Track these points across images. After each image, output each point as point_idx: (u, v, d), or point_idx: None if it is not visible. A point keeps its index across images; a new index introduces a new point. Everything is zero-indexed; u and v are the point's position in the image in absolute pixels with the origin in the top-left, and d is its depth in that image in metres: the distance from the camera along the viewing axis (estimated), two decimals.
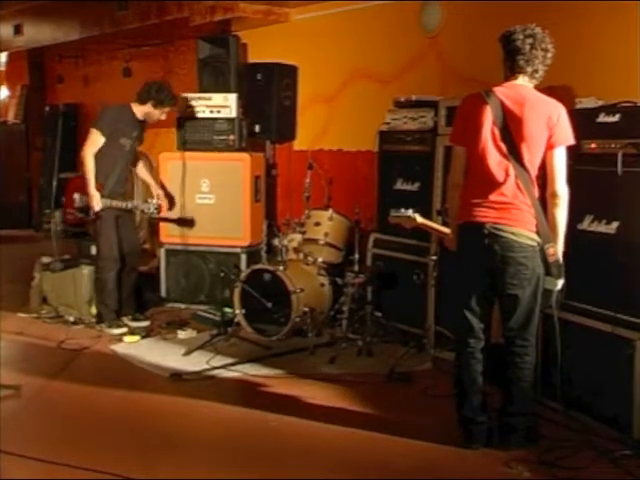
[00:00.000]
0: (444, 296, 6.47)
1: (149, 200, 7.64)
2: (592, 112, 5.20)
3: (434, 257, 6.48)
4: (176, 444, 5.02)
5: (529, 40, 4.57)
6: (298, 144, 8.95)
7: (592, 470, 4.51)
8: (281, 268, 7.02)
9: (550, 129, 4.56)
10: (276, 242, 7.54)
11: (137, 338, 7.25)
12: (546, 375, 5.40)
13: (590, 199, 5.19)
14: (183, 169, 8.15)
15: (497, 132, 4.59)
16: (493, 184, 4.61)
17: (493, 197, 4.61)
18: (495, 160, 4.61)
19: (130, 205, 7.54)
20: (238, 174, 8.01)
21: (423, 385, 6.04)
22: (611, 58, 6.17)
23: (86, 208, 7.27)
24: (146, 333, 7.44)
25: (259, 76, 8.14)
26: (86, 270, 7.85)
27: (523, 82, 4.68)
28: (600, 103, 5.28)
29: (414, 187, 6.99)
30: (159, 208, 7.70)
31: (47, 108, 15.03)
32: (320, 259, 7.30)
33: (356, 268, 6.95)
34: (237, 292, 7.20)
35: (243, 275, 7.30)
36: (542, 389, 5.44)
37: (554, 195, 4.58)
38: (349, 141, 8.62)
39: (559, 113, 4.60)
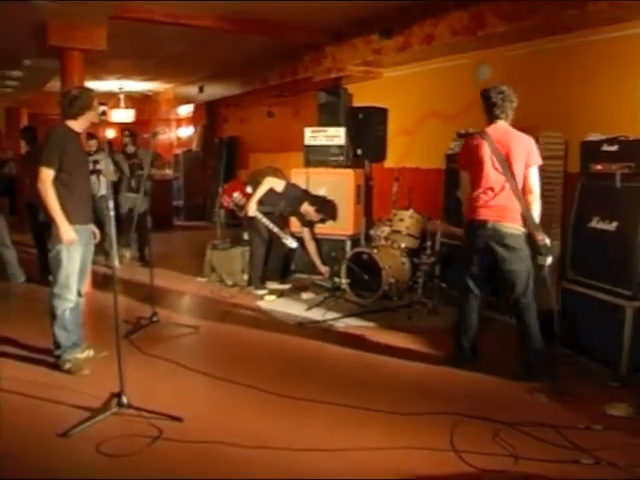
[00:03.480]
0: None
1: (289, 238, 7.43)
2: (598, 143, 5.23)
3: None
4: (296, 370, 5.12)
5: (500, 96, 4.91)
6: (387, 163, 8.89)
7: (591, 396, 4.55)
8: (375, 251, 6.98)
9: (527, 155, 4.84)
10: (372, 232, 7.53)
11: (274, 297, 7.34)
12: (563, 329, 5.34)
13: (596, 205, 5.24)
14: (307, 180, 8.12)
15: (494, 159, 4.83)
16: (493, 194, 4.86)
17: (493, 203, 4.87)
18: (494, 178, 4.84)
19: (275, 230, 7.38)
20: (345, 184, 7.98)
21: None
22: (614, 102, 6.05)
23: (240, 207, 7.38)
24: (280, 293, 7.50)
25: (360, 116, 8.10)
26: (240, 250, 8.03)
27: (502, 123, 4.94)
28: (603, 137, 5.22)
29: None
30: (293, 250, 7.70)
31: (216, 140, 15.30)
32: (402, 245, 7.21)
33: (428, 252, 6.88)
34: (344, 267, 7.20)
35: (348, 255, 7.29)
36: (560, 340, 5.34)
37: (532, 196, 4.84)
38: (424, 161, 8.53)
39: (531, 144, 4.91)
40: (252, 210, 7.25)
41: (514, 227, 4.84)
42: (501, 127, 4.94)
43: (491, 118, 4.98)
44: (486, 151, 4.87)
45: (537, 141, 5.83)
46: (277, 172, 7.89)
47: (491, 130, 4.94)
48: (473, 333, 5.20)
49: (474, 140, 5.01)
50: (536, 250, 4.79)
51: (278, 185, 7.39)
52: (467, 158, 5.07)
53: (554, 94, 6.67)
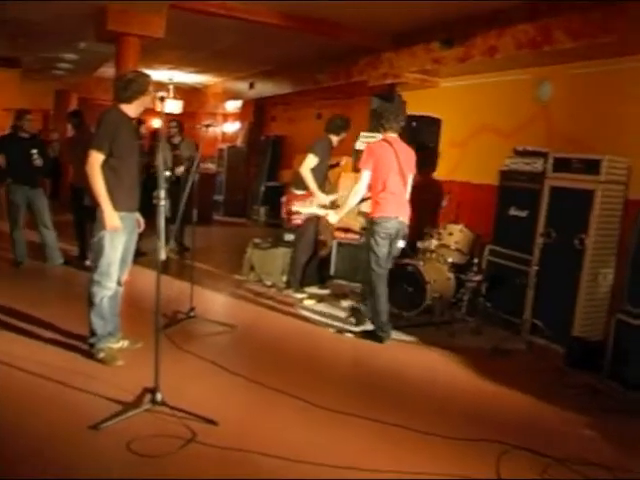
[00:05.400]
0: (539, 295, 6.25)
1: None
2: None
3: (536, 267, 6.16)
4: (333, 380, 4.96)
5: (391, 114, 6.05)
6: (437, 174, 8.68)
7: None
8: (421, 263, 6.79)
9: (413, 163, 6.10)
10: (419, 244, 7.32)
11: (313, 302, 7.18)
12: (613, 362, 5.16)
13: None
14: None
15: (397, 164, 5.89)
16: (401, 193, 5.95)
17: (402, 199, 5.97)
18: (398, 179, 5.91)
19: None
20: None
21: (517, 360, 5.83)
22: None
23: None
24: (320, 299, 7.33)
25: (414, 124, 7.91)
26: (281, 251, 7.87)
27: (394, 135, 6.00)
28: None
29: (523, 214, 6.66)
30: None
31: (263, 137, 15.21)
32: (450, 260, 7.01)
33: (475, 269, 6.66)
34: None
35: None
36: (609, 374, 5.17)
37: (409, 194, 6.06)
38: (475, 176, 8.29)
39: (414, 154, 6.13)
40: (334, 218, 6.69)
41: (406, 219, 6.02)
42: (395, 139, 6.01)
43: (387, 130, 6.00)
44: (393, 158, 5.88)
45: (599, 165, 5.71)
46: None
47: (391, 140, 5.95)
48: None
49: (383, 146, 5.94)
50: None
51: None
52: (375, 161, 5.89)
53: (619, 117, 6.40)
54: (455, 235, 7.07)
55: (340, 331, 6.20)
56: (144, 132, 8.79)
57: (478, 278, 6.61)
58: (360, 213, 7.21)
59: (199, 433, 3.72)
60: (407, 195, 6.06)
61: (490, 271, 6.83)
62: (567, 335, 5.80)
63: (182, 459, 3.46)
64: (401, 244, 6.08)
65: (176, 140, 9.49)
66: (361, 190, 5.99)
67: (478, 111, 8.48)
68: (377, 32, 8.66)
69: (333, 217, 6.44)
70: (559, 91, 7.26)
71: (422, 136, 8.04)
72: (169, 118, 10.43)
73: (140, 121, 8.56)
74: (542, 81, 7.46)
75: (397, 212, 5.89)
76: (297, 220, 7.33)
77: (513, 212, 6.78)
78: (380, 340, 5.94)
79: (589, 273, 5.86)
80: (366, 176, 5.91)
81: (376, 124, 6.29)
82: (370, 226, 5.98)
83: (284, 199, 7.57)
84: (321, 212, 7.05)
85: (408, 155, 6.06)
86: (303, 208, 7.09)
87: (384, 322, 5.98)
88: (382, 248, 5.90)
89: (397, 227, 5.91)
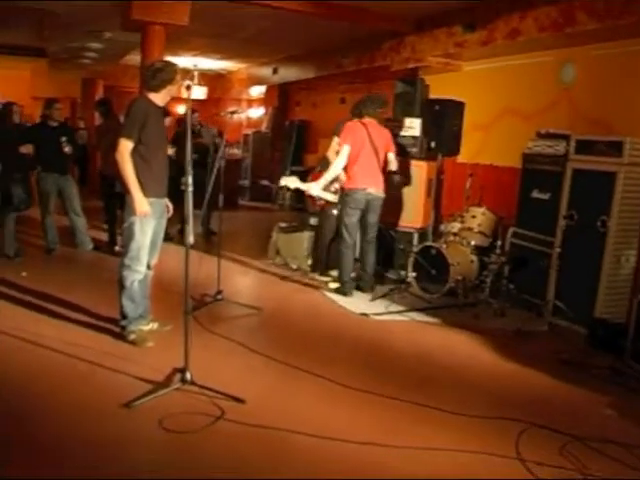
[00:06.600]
0: (562, 277, 6.27)
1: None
2: None
3: (558, 249, 6.20)
4: (358, 361, 5.04)
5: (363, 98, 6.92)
6: (460, 158, 8.69)
7: None
8: (444, 246, 6.86)
9: (387, 142, 6.90)
10: (441, 227, 7.38)
11: (338, 285, 7.21)
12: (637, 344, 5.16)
13: None
14: None
15: (370, 142, 6.66)
16: (371, 167, 6.69)
17: (371, 172, 6.69)
18: (372, 156, 6.67)
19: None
20: (418, 175, 7.76)
21: (540, 342, 5.87)
22: None
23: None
24: None
25: (437, 107, 7.88)
26: (307, 234, 7.97)
27: (369, 119, 6.76)
28: None
29: (546, 196, 6.66)
30: None
31: (287, 122, 15.27)
32: (473, 242, 7.04)
33: (498, 251, 6.70)
34: (411, 260, 7.10)
35: (416, 248, 7.18)
36: (632, 354, 5.18)
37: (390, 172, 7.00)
38: (498, 159, 8.32)
39: (390, 135, 7.01)
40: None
41: (381, 191, 6.82)
42: (370, 122, 6.75)
43: (361, 115, 6.79)
44: (366, 136, 6.64)
45: (622, 147, 5.70)
46: None
47: (366, 122, 6.73)
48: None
49: (357, 126, 6.70)
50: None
51: None
52: (352, 137, 6.63)
53: None
54: (478, 218, 7.12)
55: (364, 314, 6.30)
56: (168, 124, 8.82)
57: (501, 260, 6.65)
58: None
59: (227, 411, 3.85)
60: (381, 169, 6.86)
61: (513, 253, 6.85)
62: (589, 317, 5.83)
63: (212, 435, 3.59)
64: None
65: (196, 128, 9.58)
66: (341, 162, 6.66)
67: (501, 94, 8.49)
68: (400, 17, 8.69)
69: (315, 189, 6.89)
70: (582, 73, 7.25)
71: (445, 120, 8.04)
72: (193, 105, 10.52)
73: (167, 113, 8.66)
74: (565, 63, 7.45)
75: (365, 184, 6.65)
76: (320, 201, 7.41)
77: (536, 195, 6.78)
78: (344, 294, 6.80)
79: (611, 255, 5.87)
80: (346, 150, 6.64)
81: (356, 110, 6.91)
82: (341, 197, 6.82)
83: (309, 179, 7.65)
84: (329, 196, 7.16)
85: (382, 135, 6.87)
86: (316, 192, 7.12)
87: (346, 280, 6.84)
88: (352, 218, 6.71)
89: (366, 198, 6.68)
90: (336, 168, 6.70)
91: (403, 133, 7.96)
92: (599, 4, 6.14)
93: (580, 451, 3.70)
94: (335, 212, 7.19)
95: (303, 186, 6.95)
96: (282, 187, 7.37)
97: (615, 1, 5.96)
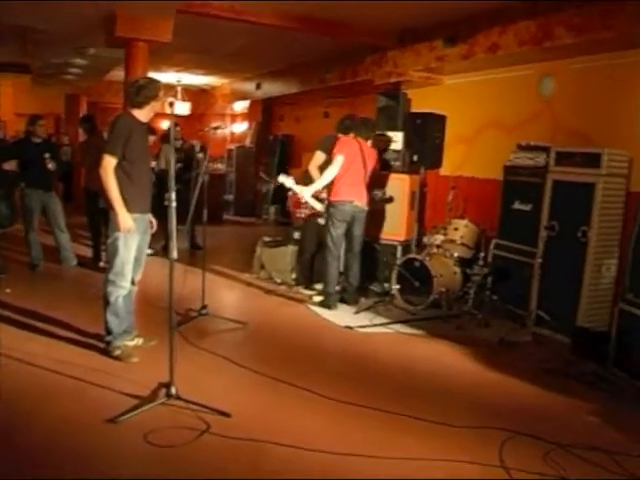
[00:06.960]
0: (544, 287, 6.34)
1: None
2: None
3: (540, 260, 6.27)
4: (342, 374, 5.05)
5: (357, 121, 7.10)
6: (443, 171, 8.77)
7: None
8: (427, 258, 6.91)
9: (375, 161, 7.11)
10: (425, 239, 7.44)
11: (322, 298, 7.22)
12: (618, 351, 5.25)
13: None
14: None
15: (362, 158, 6.82)
16: (358, 181, 6.82)
17: (358, 186, 6.81)
18: (361, 171, 6.83)
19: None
20: (401, 188, 7.83)
21: (524, 351, 5.91)
22: None
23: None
24: None
25: (418, 121, 7.97)
26: (290, 249, 8.00)
27: (361, 139, 6.93)
28: None
29: (527, 207, 6.75)
30: None
31: (271, 137, 15.29)
32: (456, 254, 7.13)
33: (481, 263, 6.75)
34: (395, 273, 7.15)
35: (400, 261, 7.22)
36: (614, 361, 5.26)
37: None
38: (480, 171, 8.39)
39: (376, 155, 7.22)
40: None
41: (365, 205, 6.96)
42: (360, 140, 6.91)
43: (350, 133, 6.96)
44: (359, 153, 6.81)
45: (600, 158, 5.81)
46: None
47: (358, 140, 6.90)
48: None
49: (352, 142, 6.85)
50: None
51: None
52: (347, 152, 6.76)
53: (620, 111, 6.49)
54: (460, 230, 7.19)
55: (349, 327, 6.33)
56: (153, 142, 8.82)
57: (484, 272, 6.71)
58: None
59: (213, 425, 3.86)
60: (366, 184, 6.99)
61: (496, 265, 6.92)
62: (572, 326, 5.90)
63: (197, 449, 3.60)
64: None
65: (177, 144, 9.58)
66: (334, 171, 6.73)
67: (483, 107, 8.57)
68: (382, 31, 8.75)
69: (307, 193, 6.94)
70: (562, 86, 7.34)
71: (427, 133, 8.12)
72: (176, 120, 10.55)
73: (152, 131, 8.68)
74: (545, 76, 7.54)
75: (352, 196, 6.76)
76: (300, 214, 7.47)
77: (517, 206, 6.88)
78: (328, 307, 6.84)
79: (592, 264, 5.96)
80: (340, 160, 6.72)
81: (344, 128, 7.07)
82: (328, 209, 6.85)
83: (290, 194, 7.71)
84: (317, 205, 7.21)
85: (371, 154, 7.05)
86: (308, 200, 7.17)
87: (331, 292, 6.89)
88: (338, 230, 6.79)
89: (353, 210, 6.78)
90: (328, 176, 6.76)
91: (392, 147, 8.07)
92: (577, 19, 6.24)
93: (563, 458, 3.74)
94: (321, 221, 7.24)
95: (297, 188, 6.97)
96: (277, 184, 7.45)
97: (593, 16, 6.07)
